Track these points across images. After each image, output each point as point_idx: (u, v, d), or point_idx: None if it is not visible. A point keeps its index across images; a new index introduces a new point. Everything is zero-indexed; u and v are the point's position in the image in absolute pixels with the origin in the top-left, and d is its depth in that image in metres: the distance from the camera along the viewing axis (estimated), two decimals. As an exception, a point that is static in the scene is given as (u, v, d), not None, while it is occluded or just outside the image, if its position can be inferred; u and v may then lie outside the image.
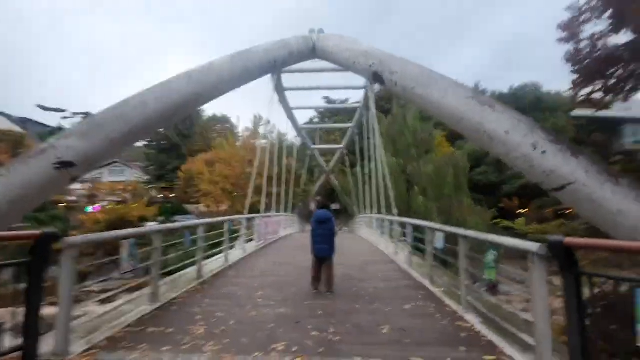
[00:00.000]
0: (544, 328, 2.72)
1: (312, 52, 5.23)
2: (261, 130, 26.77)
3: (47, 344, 2.82)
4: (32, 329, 2.54)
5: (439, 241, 5.12)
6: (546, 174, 3.22)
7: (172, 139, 38.64)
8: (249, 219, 9.95)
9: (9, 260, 2.56)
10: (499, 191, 27.71)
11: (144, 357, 2.92)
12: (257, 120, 26.14)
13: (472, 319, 3.90)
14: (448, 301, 4.63)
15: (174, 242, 5.97)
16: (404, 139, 22.43)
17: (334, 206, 42.26)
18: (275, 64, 5.02)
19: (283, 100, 16.55)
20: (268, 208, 18.85)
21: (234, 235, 8.29)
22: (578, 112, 36.07)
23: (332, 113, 47.46)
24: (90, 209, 21.48)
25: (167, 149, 39.32)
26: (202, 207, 35.63)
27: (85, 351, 3.01)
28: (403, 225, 8.86)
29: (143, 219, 18.45)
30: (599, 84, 6.12)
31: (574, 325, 2.47)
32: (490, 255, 3.52)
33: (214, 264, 6.93)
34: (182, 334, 3.44)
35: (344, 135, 36.28)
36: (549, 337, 2.72)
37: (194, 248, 5.83)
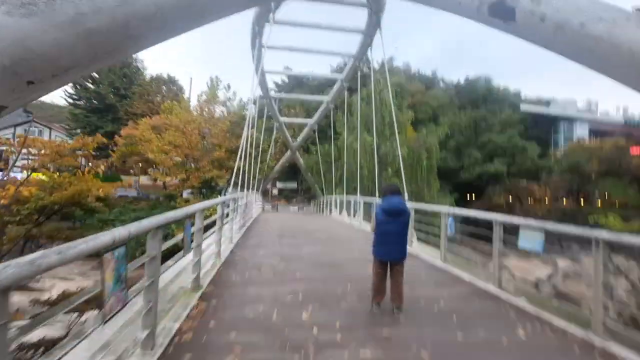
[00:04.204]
0: None
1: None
2: (220, 95, 23.66)
3: None
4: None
5: (536, 242, 3.97)
6: None
7: (106, 99, 32.82)
8: (234, 200, 7.99)
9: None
10: (456, 177, 28.62)
11: None
12: (215, 84, 22.93)
13: (624, 353, 2.84)
14: (558, 321, 3.54)
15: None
16: (379, 118, 21.44)
17: (291, 185, 40.72)
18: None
19: (258, 58, 14.11)
20: (230, 184, 16.61)
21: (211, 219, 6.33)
22: (525, 107, 38.99)
23: (290, 86, 44.97)
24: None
25: (99, 110, 33.34)
26: (144, 179, 31.30)
27: None
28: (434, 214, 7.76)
29: (99, 199, 14.73)
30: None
31: None
32: None
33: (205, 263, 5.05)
34: None
35: (306, 110, 34.27)
36: None
37: (191, 242, 3.96)
